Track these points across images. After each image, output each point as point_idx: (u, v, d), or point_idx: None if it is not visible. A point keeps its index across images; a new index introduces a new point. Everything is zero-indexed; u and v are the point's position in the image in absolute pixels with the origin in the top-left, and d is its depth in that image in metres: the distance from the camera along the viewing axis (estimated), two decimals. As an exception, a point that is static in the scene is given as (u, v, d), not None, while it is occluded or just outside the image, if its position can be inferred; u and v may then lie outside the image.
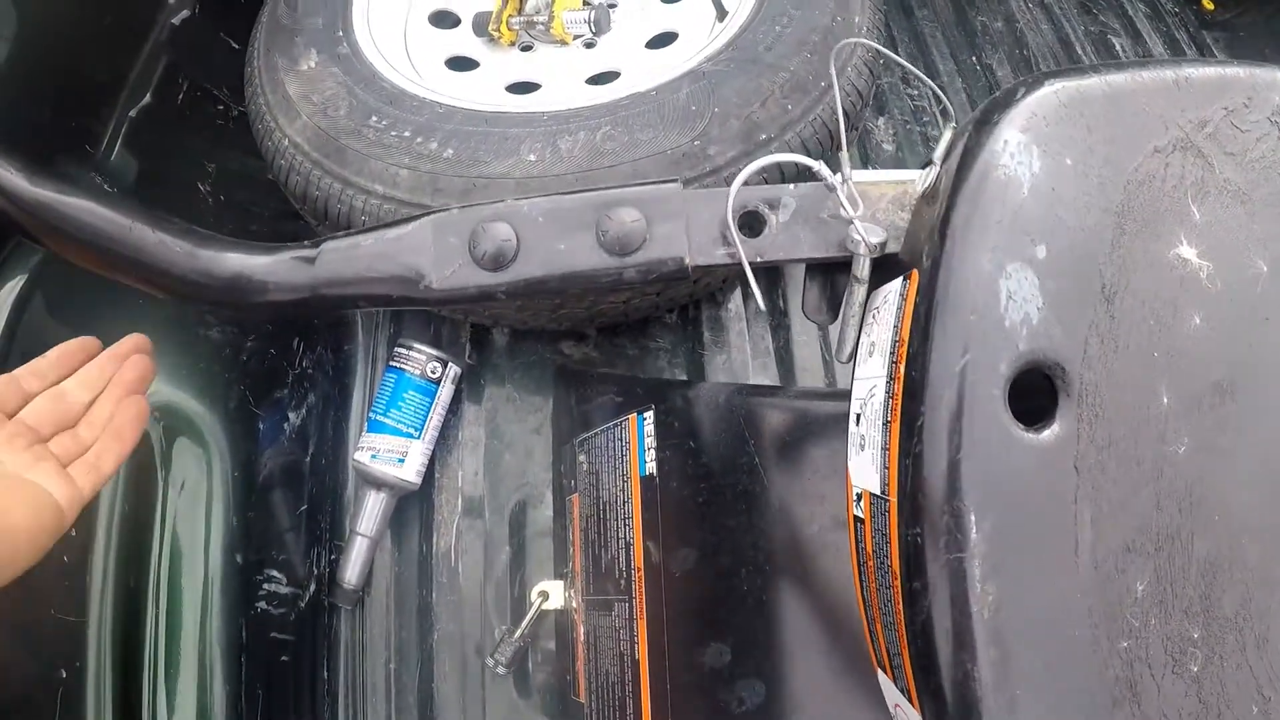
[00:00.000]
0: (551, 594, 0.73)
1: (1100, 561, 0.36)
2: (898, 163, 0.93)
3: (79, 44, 0.79)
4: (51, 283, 0.71)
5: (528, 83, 0.85)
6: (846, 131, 0.41)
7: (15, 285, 0.71)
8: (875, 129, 0.96)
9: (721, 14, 0.83)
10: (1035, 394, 0.37)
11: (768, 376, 0.81)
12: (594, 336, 0.83)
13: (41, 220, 0.47)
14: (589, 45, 0.88)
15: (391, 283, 0.43)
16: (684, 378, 0.81)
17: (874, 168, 0.93)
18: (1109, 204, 0.37)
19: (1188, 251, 0.38)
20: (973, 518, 0.34)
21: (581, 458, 0.70)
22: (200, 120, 0.88)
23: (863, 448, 0.42)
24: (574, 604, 0.70)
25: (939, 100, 0.39)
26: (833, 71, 0.40)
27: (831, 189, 0.38)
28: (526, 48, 0.89)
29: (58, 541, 0.64)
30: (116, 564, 0.66)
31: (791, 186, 0.41)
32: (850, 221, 0.38)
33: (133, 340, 0.55)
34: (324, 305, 0.46)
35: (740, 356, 0.82)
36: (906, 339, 0.37)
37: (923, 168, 0.43)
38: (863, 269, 0.40)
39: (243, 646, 0.69)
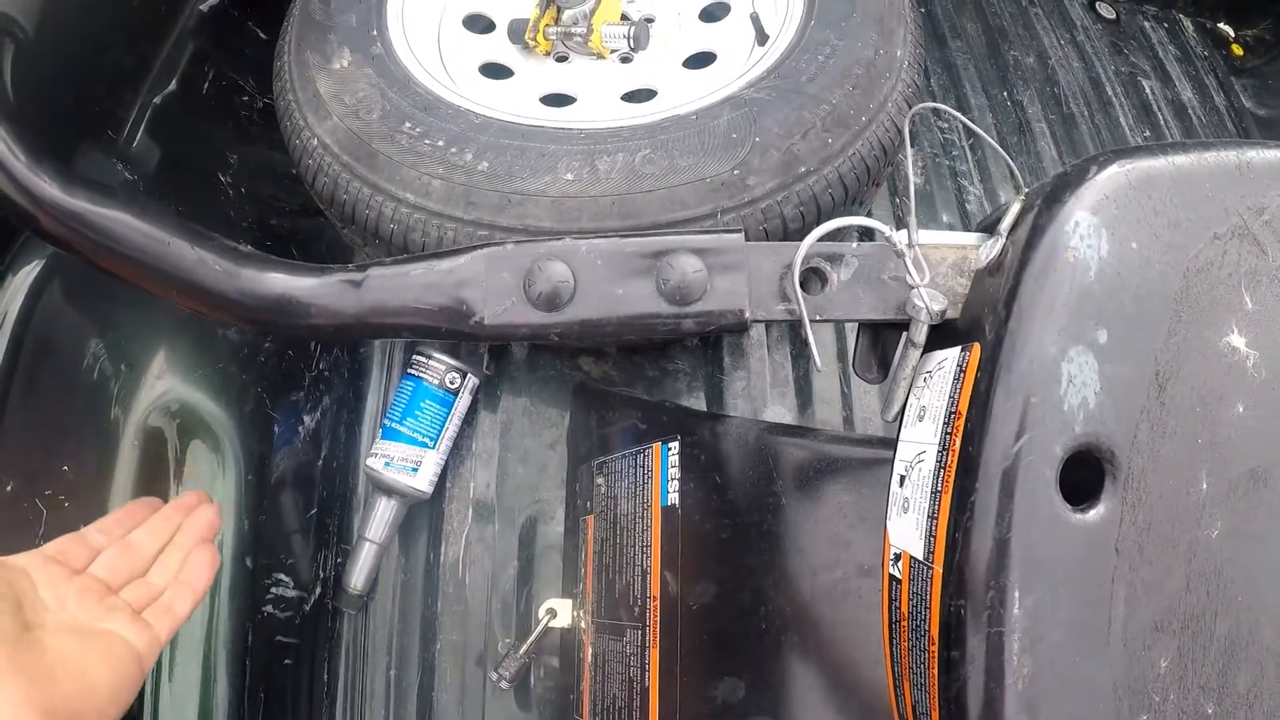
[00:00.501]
0: (559, 612, 0.73)
1: (1130, 639, 0.37)
2: (926, 196, 0.93)
3: (105, 27, 0.77)
4: (67, 270, 0.70)
5: (562, 95, 0.84)
6: (912, 196, 0.41)
7: (31, 271, 0.70)
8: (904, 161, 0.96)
9: (762, 38, 0.83)
10: (1080, 468, 0.37)
11: (786, 405, 0.81)
12: (613, 355, 0.82)
13: (76, 232, 0.46)
14: (625, 60, 0.87)
15: (440, 315, 0.43)
16: (703, 401, 0.81)
17: (902, 200, 0.93)
18: (1169, 290, 0.38)
19: (1237, 340, 0.39)
20: (1016, 594, 0.35)
21: (599, 480, 0.70)
22: (224, 110, 0.87)
23: (906, 510, 0.42)
24: (583, 625, 0.70)
25: (1012, 174, 0.39)
26: (906, 137, 0.39)
27: (900, 255, 0.38)
28: (561, 58, 0.88)
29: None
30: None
31: (854, 245, 0.41)
32: (914, 287, 0.38)
33: (196, 494, 0.56)
34: (367, 332, 0.45)
35: (759, 383, 0.82)
36: (964, 413, 0.37)
37: (981, 231, 0.43)
38: (920, 334, 0.40)
39: (247, 650, 0.68)
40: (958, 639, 0.36)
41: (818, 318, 0.40)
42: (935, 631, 0.39)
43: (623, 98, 0.83)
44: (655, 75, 0.85)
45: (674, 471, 0.61)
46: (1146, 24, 1.19)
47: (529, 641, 0.72)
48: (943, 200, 0.95)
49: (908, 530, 0.41)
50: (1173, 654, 0.37)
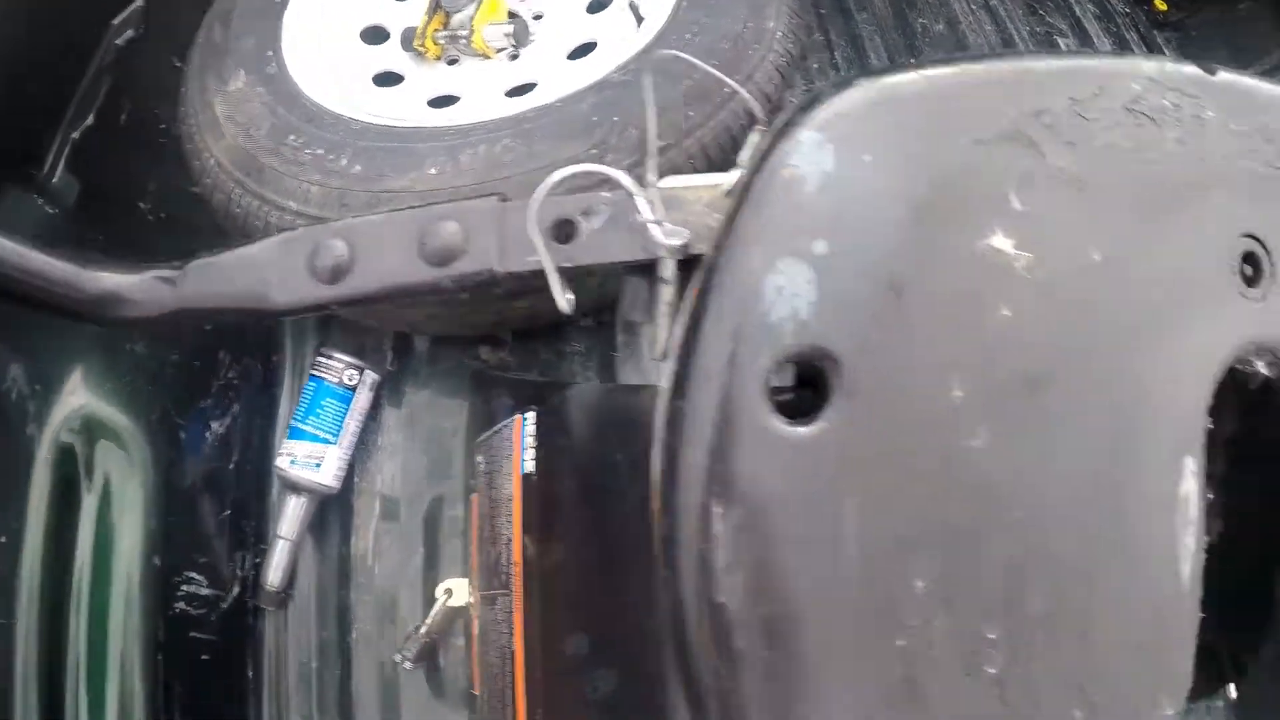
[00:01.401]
0: (455, 591, 0.74)
1: (870, 558, 0.34)
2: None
3: (23, 66, 0.82)
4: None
5: (448, 96, 0.87)
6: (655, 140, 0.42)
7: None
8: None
9: (639, 21, 0.85)
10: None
11: (680, 379, 0.82)
12: (510, 342, 0.85)
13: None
14: (514, 58, 0.90)
15: (243, 298, 0.45)
16: (597, 381, 0.83)
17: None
18: (910, 198, 0.36)
19: (1002, 242, 0.36)
20: (719, 510, 0.33)
21: (480, 458, 0.71)
22: (142, 140, 0.91)
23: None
24: (471, 600, 0.72)
25: (750, 111, 0.40)
26: (649, 90, 0.41)
27: (630, 195, 0.39)
28: (453, 61, 0.91)
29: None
30: (43, 569, 0.69)
31: (606, 194, 0.43)
32: (648, 224, 0.40)
33: None
34: (190, 320, 0.48)
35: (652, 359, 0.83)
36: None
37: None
38: (669, 270, 0.41)
39: (159, 645, 0.71)
40: (669, 559, 0.34)
41: (567, 264, 0.41)
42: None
43: (507, 94, 0.86)
44: (539, 69, 0.88)
45: (530, 440, 0.63)
46: (1063, -19, 1.18)
47: (427, 621, 0.73)
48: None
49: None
50: (934, 574, 0.34)
